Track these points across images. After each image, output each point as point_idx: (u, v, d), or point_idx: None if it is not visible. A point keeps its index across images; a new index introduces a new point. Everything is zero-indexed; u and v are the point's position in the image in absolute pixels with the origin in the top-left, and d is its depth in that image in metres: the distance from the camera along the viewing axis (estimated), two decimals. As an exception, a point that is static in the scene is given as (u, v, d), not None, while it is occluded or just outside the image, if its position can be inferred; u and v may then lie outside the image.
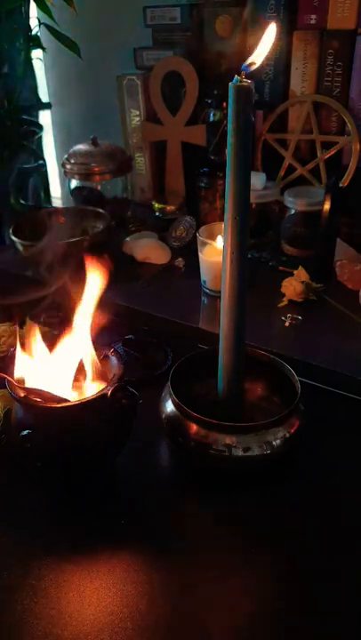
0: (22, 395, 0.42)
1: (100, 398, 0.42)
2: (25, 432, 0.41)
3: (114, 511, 0.45)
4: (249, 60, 0.38)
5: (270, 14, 0.81)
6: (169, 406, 0.49)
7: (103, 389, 0.43)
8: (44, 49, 0.96)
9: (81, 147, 0.92)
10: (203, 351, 0.54)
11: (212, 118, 0.84)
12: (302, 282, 0.69)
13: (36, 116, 1.05)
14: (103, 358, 0.47)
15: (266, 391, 0.54)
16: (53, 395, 0.42)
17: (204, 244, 0.71)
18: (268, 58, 0.82)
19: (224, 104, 0.82)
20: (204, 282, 0.73)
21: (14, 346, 0.44)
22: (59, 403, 0.42)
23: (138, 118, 0.97)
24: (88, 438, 0.43)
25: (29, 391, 0.42)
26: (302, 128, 0.84)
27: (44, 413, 0.42)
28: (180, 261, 0.81)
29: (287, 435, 0.46)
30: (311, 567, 0.41)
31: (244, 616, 0.37)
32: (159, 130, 0.95)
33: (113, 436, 0.45)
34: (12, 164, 0.93)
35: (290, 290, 0.69)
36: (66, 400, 0.42)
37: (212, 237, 0.72)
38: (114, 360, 0.47)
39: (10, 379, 0.42)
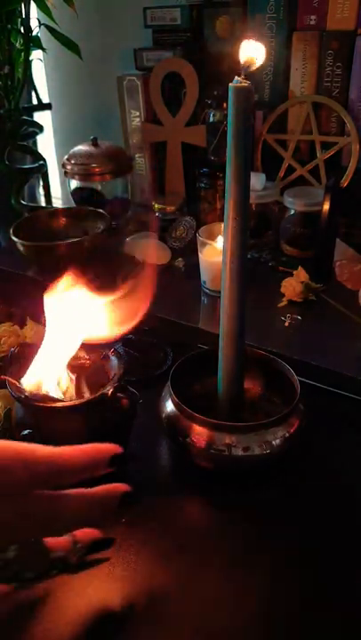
0: (23, 395, 0.42)
1: (101, 398, 0.42)
2: (25, 432, 0.41)
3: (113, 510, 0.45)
4: (242, 61, 0.38)
5: (270, 15, 0.81)
6: (169, 406, 0.49)
7: (104, 389, 0.43)
8: (44, 50, 0.96)
9: (81, 147, 0.92)
10: (203, 351, 0.54)
11: (212, 119, 0.84)
12: (302, 282, 0.69)
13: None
14: (103, 358, 0.48)
15: (266, 391, 0.54)
16: (53, 395, 0.42)
17: (204, 244, 0.71)
18: (266, 58, 0.83)
19: (224, 105, 0.82)
20: (204, 282, 0.73)
21: (14, 346, 0.45)
22: (59, 403, 0.42)
23: (138, 119, 0.97)
24: (88, 438, 0.43)
25: (30, 392, 0.42)
26: (302, 128, 0.84)
27: (44, 413, 0.42)
28: (180, 261, 0.81)
29: (287, 434, 0.46)
30: (312, 567, 0.41)
31: (245, 616, 0.37)
32: (159, 130, 0.95)
33: (113, 435, 0.45)
34: (13, 165, 0.93)
35: (289, 290, 0.69)
36: (66, 400, 0.43)
37: (212, 238, 0.72)
38: (114, 360, 0.47)
39: (10, 379, 0.42)
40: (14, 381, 0.42)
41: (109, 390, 0.42)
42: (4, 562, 0.30)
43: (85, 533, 0.35)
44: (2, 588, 0.31)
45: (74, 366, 0.48)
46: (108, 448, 0.35)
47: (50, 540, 0.33)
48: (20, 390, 0.42)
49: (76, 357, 0.48)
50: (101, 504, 0.34)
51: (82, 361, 0.49)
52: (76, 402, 0.42)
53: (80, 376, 0.47)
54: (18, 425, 0.43)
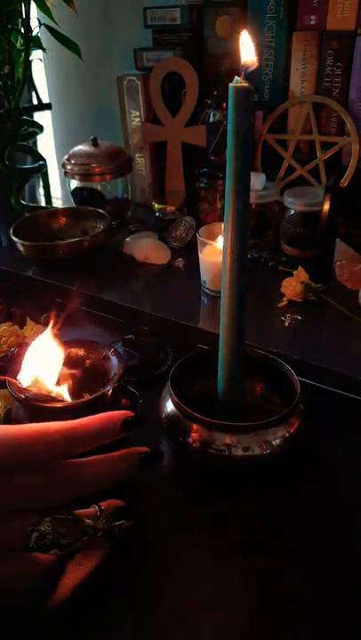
0: (23, 395, 0.42)
1: (101, 398, 0.42)
2: None
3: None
4: (242, 62, 0.38)
5: (270, 15, 0.81)
6: (169, 406, 0.49)
7: (103, 389, 0.43)
8: (44, 50, 0.96)
9: (81, 147, 0.92)
10: (203, 351, 0.54)
11: (212, 119, 0.84)
12: (302, 282, 0.69)
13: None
14: (103, 358, 0.48)
15: (266, 391, 0.54)
16: (54, 395, 0.42)
17: (204, 244, 0.71)
18: (266, 58, 0.83)
19: (224, 105, 0.82)
20: (204, 282, 0.73)
21: (14, 346, 0.45)
22: (59, 403, 0.42)
23: (138, 119, 0.97)
24: None
25: (31, 391, 0.42)
26: (302, 129, 0.84)
27: (44, 413, 0.42)
28: (180, 261, 0.81)
29: (287, 434, 0.46)
30: (311, 567, 0.41)
31: (245, 616, 0.37)
32: (159, 130, 0.95)
33: None
34: (13, 165, 0.93)
35: (290, 290, 0.69)
36: (66, 400, 0.43)
37: (212, 238, 0.72)
38: (114, 360, 0.47)
39: (10, 379, 0.42)
40: (14, 381, 0.42)
41: (109, 390, 0.42)
42: (40, 533, 0.33)
43: (109, 503, 0.38)
44: (44, 557, 0.34)
45: (74, 366, 0.48)
46: (119, 414, 0.37)
47: (78, 511, 0.36)
48: (21, 390, 0.42)
49: (76, 357, 0.48)
50: (120, 466, 0.37)
51: (82, 360, 0.49)
52: (76, 402, 0.42)
53: (80, 376, 0.47)
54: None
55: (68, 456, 0.35)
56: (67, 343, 0.48)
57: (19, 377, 0.42)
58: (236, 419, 0.47)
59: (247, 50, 0.38)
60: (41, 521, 0.33)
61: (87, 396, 0.43)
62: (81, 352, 0.49)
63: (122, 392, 0.43)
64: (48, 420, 0.42)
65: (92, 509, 0.37)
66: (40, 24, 0.89)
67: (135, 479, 0.39)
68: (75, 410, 0.42)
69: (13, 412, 0.45)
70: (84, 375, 0.48)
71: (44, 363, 0.43)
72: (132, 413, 0.38)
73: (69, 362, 0.48)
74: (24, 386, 0.42)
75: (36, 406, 0.42)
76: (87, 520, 0.35)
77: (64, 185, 1.15)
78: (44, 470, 0.34)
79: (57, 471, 0.34)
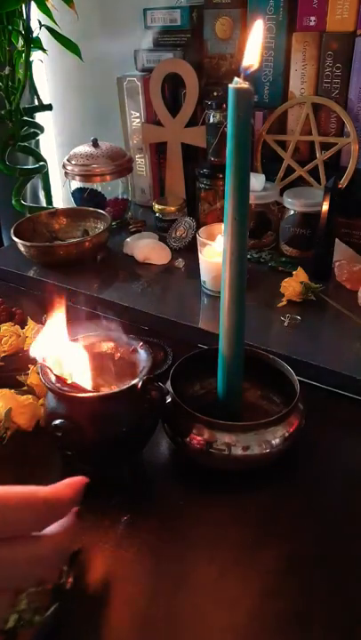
0: (55, 385, 0.42)
1: (131, 390, 0.42)
2: (57, 421, 0.42)
3: (115, 509, 0.45)
4: (244, 63, 0.38)
5: (269, 16, 0.82)
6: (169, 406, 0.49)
7: (133, 381, 0.43)
8: (45, 51, 0.97)
9: (82, 148, 0.92)
10: (203, 351, 0.55)
11: (212, 120, 0.84)
12: (301, 282, 0.69)
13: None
14: (132, 352, 0.48)
15: (265, 391, 0.54)
16: (84, 386, 0.43)
17: (204, 244, 0.71)
18: (266, 59, 0.83)
19: (224, 105, 0.83)
20: (204, 282, 0.73)
21: (17, 346, 0.45)
22: (91, 393, 0.42)
23: (138, 120, 0.98)
24: (117, 428, 0.43)
25: (62, 381, 0.42)
26: (301, 129, 0.84)
27: (76, 403, 0.42)
28: (180, 262, 0.81)
29: (286, 434, 0.46)
30: (310, 566, 0.41)
31: (245, 614, 0.38)
32: (159, 131, 0.95)
33: (141, 427, 0.45)
34: (14, 165, 0.93)
35: (289, 290, 0.69)
36: (97, 390, 0.43)
37: (212, 238, 0.72)
38: (143, 354, 0.47)
39: (47, 367, 0.42)
40: (49, 369, 0.42)
41: (139, 383, 0.43)
42: (19, 613, 0.29)
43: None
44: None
45: (104, 358, 0.49)
46: (79, 480, 0.32)
47: None
48: (53, 380, 0.42)
49: (106, 349, 0.49)
50: (74, 528, 0.33)
51: (111, 352, 0.49)
52: (108, 393, 0.43)
53: (110, 367, 0.48)
54: (50, 415, 0.44)
55: (49, 524, 0.31)
56: (97, 337, 0.49)
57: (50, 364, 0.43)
58: (235, 418, 0.47)
59: (252, 51, 0.39)
60: (18, 599, 0.29)
61: (116, 388, 0.43)
62: (111, 345, 0.49)
63: (151, 385, 0.44)
64: (79, 410, 0.42)
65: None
66: (40, 25, 0.90)
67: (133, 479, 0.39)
68: (107, 400, 0.42)
69: (45, 402, 0.45)
70: (115, 367, 0.48)
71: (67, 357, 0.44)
72: (87, 479, 0.32)
73: (99, 355, 0.49)
74: (57, 374, 0.42)
75: (69, 396, 0.42)
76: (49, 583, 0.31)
77: (65, 186, 1.15)
78: (25, 542, 0.29)
79: (38, 543, 0.30)
